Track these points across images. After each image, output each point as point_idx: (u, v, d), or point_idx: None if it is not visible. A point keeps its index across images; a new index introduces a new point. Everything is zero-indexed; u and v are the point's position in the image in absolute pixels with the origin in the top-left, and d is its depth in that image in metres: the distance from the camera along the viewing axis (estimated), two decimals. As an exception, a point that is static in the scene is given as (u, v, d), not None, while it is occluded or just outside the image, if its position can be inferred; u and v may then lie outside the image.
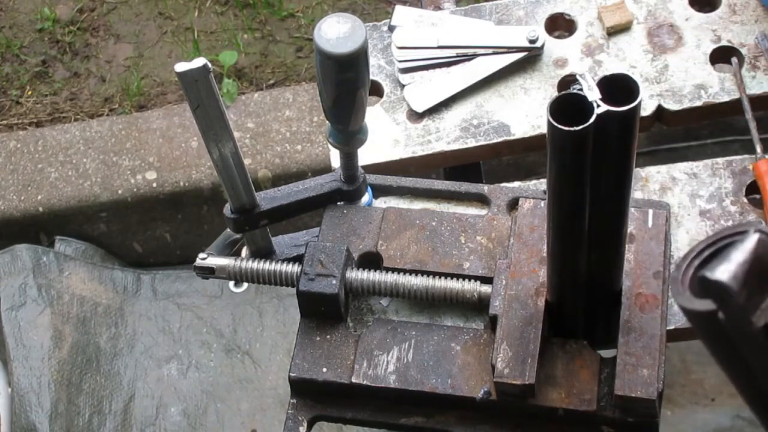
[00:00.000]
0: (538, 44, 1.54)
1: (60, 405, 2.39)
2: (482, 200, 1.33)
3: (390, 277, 1.22)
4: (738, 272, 0.65)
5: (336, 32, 1.06)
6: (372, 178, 1.34)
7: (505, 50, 1.55)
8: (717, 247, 0.69)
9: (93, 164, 2.61)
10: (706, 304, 0.66)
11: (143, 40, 2.95)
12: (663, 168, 1.44)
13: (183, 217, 2.66)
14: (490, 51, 1.55)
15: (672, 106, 1.50)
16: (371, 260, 1.27)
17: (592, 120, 0.92)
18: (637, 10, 1.59)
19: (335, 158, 1.43)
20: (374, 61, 1.58)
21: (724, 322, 0.66)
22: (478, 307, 1.22)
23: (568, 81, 1.54)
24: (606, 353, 1.17)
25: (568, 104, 0.92)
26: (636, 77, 1.00)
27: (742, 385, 0.75)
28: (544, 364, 1.15)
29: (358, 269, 1.23)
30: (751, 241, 0.66)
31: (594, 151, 0.96)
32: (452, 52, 1.55)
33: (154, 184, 2.59)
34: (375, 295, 1.26)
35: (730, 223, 1.38)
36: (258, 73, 2.86)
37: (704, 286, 0.66)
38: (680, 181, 1.42)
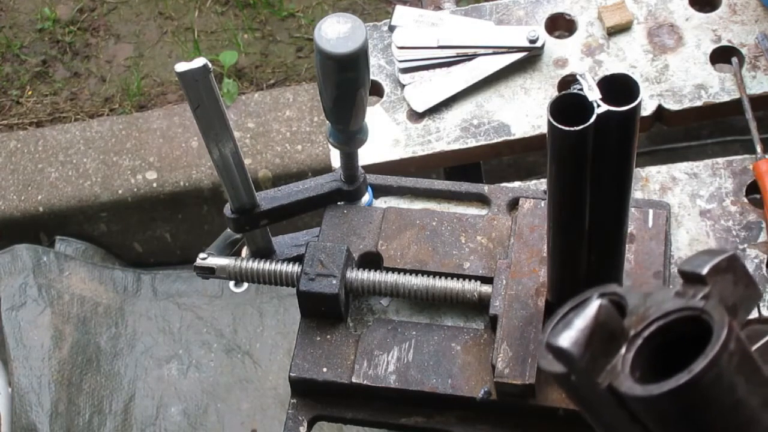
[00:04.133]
0: (538, 44, 1.54)
1: (60, 405, 2.39)
2: (482, 200, 1.33)
3: (390, 277, 1.22)
4: (579, 338, 0.70)
5: (336, 32, 1.06)
6: (372, 178, 1.34)
7: (505, 50, 1.55)
8: (567, 314, 0.75)
9: (93, 164, 2.61)
10: (559, 367, 0.71)
11: (143, 40, 2.95)
12: (663, 168, 1.44)
13: (183, 217, 2.66)
14: (491, 51, 1.55)
15: (672, 106, 1.50)
16: (371, 260, 1.27)
17: (592, 120, 0.92)
18: (637, 10, 1.59)
19: (335, 158, 1.43)
20: (374, 61, 1.58)
21: (576, 383, 0.72)
22: (479, 307, 1.22)
23: (568, 81, 1.54)
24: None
25: (568, 104, 0.93)
26: (636, 77, 1.00)
27: None
28: (544, 364, 1.15)
29: (358, 269, 1.23)
30: (593, 307, 0.71)
31: (594, 151, 0.96)
32: (452, 52, 1.55)
33: (155, 184, 2.59)
34: (375, 295, 1.25)
35: (730, 223, 1.38)
36: (258, 73, 2.86)
37: (552, 352, 0.72)
38: (680, 181, 1.42)
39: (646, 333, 0.71)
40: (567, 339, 0.70)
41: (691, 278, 0.72)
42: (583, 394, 0.73)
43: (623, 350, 0.71)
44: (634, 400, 0.68)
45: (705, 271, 0.72)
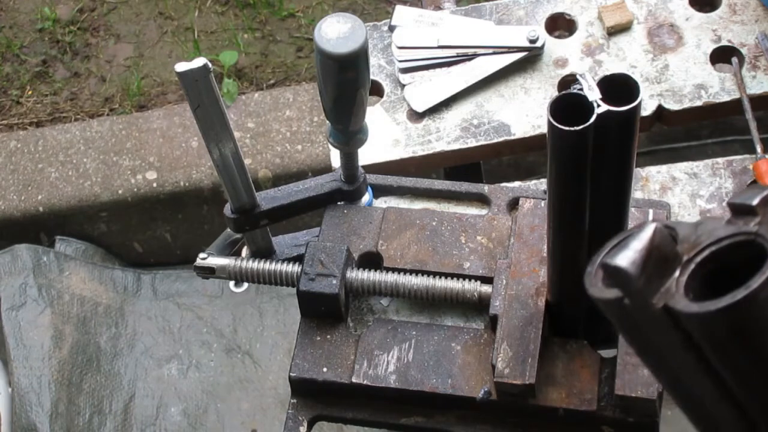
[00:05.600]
0: (538, 44, 1.54)
1: (60, 405, 2.39)
2: (482, 200, 1.33)
3: (390, 277, 1.22)
4: (636, 258, 0.71)
5: (336, 32, 1.06)
6: (372, 178, 1.34)
7: (505, 50, 1.55)
8: (623, 240, 0.75)
9: (93, 164, 2.61)
10: (613, 293, 0.72)
11: (143, 40, 2.95)
12: (663, 168, 1.44)
13: (183, 217, 2.66)
14: (491, 51, 1.55)
15: (672, 106, 1.50)
16: (371, 260, 1.27)
17: (592, 120, 0.92)
18: (637, 9, 1.59)
19: (335, 158, 1.43)
20: (374, 61, 1.58)
21: (629, 307, 0.72)
22: (479, 307, 1.22)
23: (568, 81, 1.54)
24: (606, 353, 1.17)
25: (568, 104, 0.92)
26: (636, 77, 1.00)
27: (655, 367, 0.80)
28: (544, 364, 1.15)
29: (358, 269, 1.23)
30: (649, 230, 0.73)
31: (594, 151, 0.96)
32: (452, 52, 1.55)
33: (155, 184, 2.59)
34: (375, 295, 1.25)
35: (730, 223, 1.38)
36: (258, 73, 2.86)
37: (608, 273, 0.72)
38: (680, 181, 1.42)
39: (699, 258, 0.73)
40: (625, 259, 0.71)
41: (740, 210, 0.73)
42: (634, 319, 0.74)
43: (677, 274, 0.72)
44: (690, 318, 0.69)
45: (755, 202, 0.73)
